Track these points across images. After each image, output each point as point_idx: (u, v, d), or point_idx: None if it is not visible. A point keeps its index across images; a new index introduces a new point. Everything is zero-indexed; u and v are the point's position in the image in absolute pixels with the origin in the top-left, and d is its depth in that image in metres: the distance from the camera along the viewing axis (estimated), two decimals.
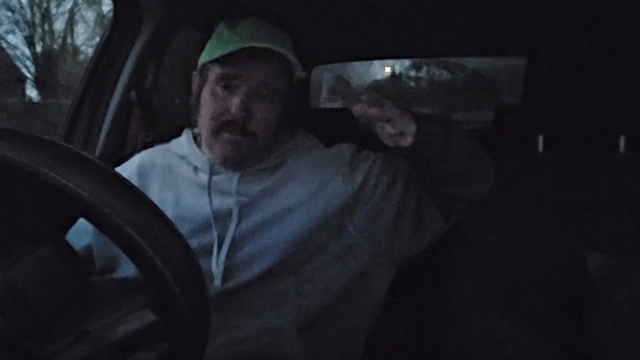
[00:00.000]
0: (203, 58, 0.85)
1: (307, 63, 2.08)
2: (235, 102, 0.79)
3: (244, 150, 0.82)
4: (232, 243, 0.80)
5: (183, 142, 0.92)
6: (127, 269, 0.80)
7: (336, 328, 0.82)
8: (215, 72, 0.82)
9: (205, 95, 0.84)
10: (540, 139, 1.05)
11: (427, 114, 0.77)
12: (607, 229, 0.95)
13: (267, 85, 0.82)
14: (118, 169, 0.92)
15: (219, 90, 0.82)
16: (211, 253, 0.80)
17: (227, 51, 0.78)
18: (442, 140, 0.74)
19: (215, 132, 0.82)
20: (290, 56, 0.81)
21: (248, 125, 0.81)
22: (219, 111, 0.81)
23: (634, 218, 0.95)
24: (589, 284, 0.89)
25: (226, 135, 0.81)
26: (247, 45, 0.78)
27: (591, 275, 0.89)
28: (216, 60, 0.81)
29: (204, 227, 0.81)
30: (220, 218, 0.82)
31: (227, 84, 0.81)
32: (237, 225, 0.81)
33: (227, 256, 0.79)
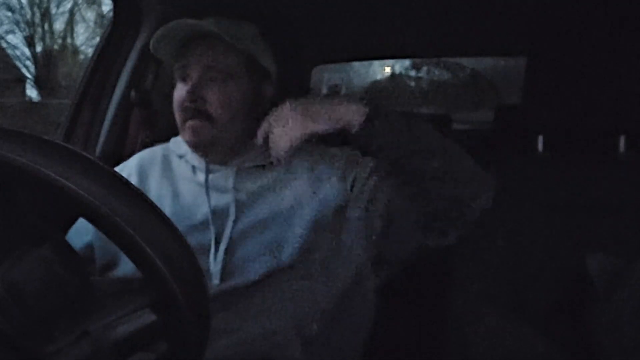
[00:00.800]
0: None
1: (307, 63, 2.08)
2: (185, 89, 0.83)
3: (204, 134, 0.83)
4: (230, 241, 0.80)
5: (181, 141, 0.92)
6: (127, 266, 0.80)
7: (336, 328, 0.82)
8: (176, 66, 0.87)
9: (174, 92, 0.87)
10: (540, 139, 1.05)
11: (385, 111, 0.77)
12: (607, 229, 0.95)
13: (215, 68, 0.84)
14: (118, 168, 0.92)
15: (179, 84, 0.86)
16: (209, 251, 0.80)
17: (160, 36, 0.83)
18: (397, 135, 0.75)
19: (181, 122, 0.85)
20: (229, 35, 0.82)
21: (202, 108, 0.82)
22: (179, 101, 0.84)
23: (634, 218, 0.95)
24: (589, 284, 0.89)
25: (188, 123, 0.83)
26: (172, 26, 0.82)
27: (591, 275, 0.89)
28: (174, 59, 0.86)
29: (202, 225, 0.81)
30: (218, 215, 0.82)
31: (182, 75, 0.85)
32: (235, 222, 0.81)
33: (226, 254, 0.79)
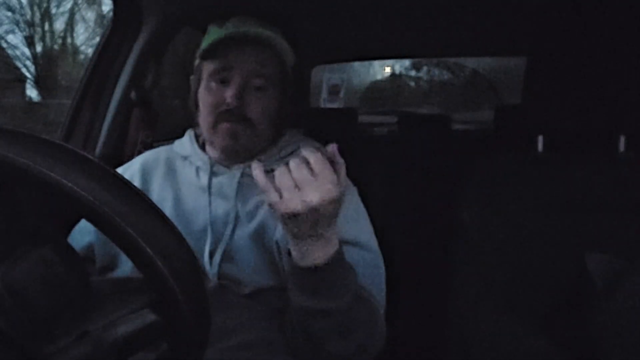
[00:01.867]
0: (196, 58, 0.87)
1: (307, 63, 2.09)
2: (230, 92, 0.81)
3: (243, 138, 0.83)
4: (227, 249, 0.79)
5: (185, 142, 0.92)
6: (127, 267, 0.80)
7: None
8: (208, 68, 0.84)
9: (202, 92, 0.85)
10: (540, 139, 1.05)
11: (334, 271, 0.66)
12: (607, 229, 0.95)
13: (259, 74, 0.83)
14: (121, 169, 0.92)
15: (214, 85, 0.84)
16: (206, 257, 0.79)
17: (211, 41, 0.80)
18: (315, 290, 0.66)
19: (214, 124, 0.83)
20: (278, 40, 0.82)
21: (245, 113, 0.82)
22: (215, 103, 0.83)
23: (634, 218, 0.95)
24: (589, 284, 0.89)
25: (224, 125, 0.82)
26: (229, 32, 0.80)
27: (591, 275, 0.89)
28: (207, 57, 0.83)
29: (201, 231, 0.81)
30: (217, 223, 0.81)
31: (221, 77, 0.83)
32: (233, 231, 0.80)
33: (221, 262, 0.79)
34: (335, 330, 0.68)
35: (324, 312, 0.66)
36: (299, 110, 0.92)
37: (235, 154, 0.86)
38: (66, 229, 0.46)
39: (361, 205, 0.86)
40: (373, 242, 0.82)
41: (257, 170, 0.63)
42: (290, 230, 0.63)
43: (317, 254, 0.64)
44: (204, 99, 0.84)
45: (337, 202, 0.62)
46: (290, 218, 0.61)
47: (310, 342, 0.70)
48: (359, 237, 0.79)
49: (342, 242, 0.74)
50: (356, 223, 0.81)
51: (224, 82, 0.83)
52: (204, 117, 0.85)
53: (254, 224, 0.81)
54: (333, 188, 0.60)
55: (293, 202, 0.60)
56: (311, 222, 0.61)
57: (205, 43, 0.84)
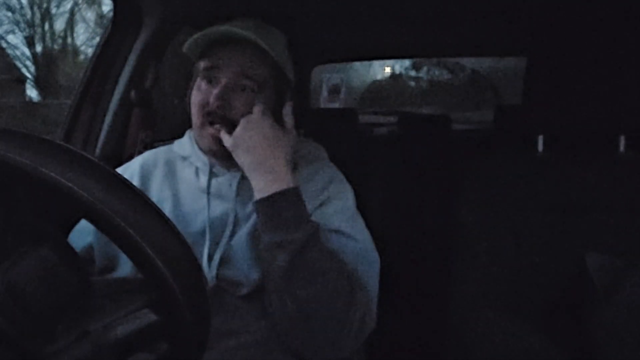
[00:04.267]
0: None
1: (307, 63, 2.09)
2: (214, 93, 0.81)
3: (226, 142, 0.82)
4: (225, 251, 0.79)
5: (185, 143, 0.92)
6: (127, 268, 0.80)
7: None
8: (199, 67, 0.84)
9: (193, 91, 0.85)
10: (540, 139, 1.05)
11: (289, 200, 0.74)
12: (607, 229, 0.95)
13: (246, 76, 0.82)
14: (120, 169, 0.92)
15: (203, 84, 0.83)
16: (204, 259, 0.79)
17: (196, 38, 0.80)
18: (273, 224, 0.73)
19: (200, 125, 0.83)
20: (270, 42, 0.81)
21: (228, 115, 0.81)
22: (201, 104, 0.83)
23: (634, 218, 0.95)
24: (589, 284, 0.89)
25: (210, 130, 0.82)
26: (213, 31, 0.79)
27: (591, 275, 0.89)
28: (198, 56, 0.83)
29: (199, 233, 0.81)
30: (216, 224, 0.81)
31: (209, 77, 0.83)
32: (232, 233, 0.80)
33: (220, 264, 0.79)
34: (302, 267, 0.70)
35: (285, 243, 0.71)
36: (299, 111, 0.92)
37: (222, 158, 0.85)
38: (66, 229, 0.46)
39: (354, 204, 0.86)
40: (364, 235, 0.82)
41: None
42: (244, 162, 0.77)
43: (271, 186, 0.74)
44: (193, 98, 0.84)
45: (271, 137, 0.77)
46: (238, 145, 0.77)
47: (285, 291, 0.71)
48: (346, 228, 0.80)
49: (330, 231, 0.78)
50: (344, 216, 0.82)
51: (211, 82, 0.83)
52: (193, 117, 0.85)
53: (252, 226, 0.80)
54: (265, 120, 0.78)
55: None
56: (256, 153, 0.76)
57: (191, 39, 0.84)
